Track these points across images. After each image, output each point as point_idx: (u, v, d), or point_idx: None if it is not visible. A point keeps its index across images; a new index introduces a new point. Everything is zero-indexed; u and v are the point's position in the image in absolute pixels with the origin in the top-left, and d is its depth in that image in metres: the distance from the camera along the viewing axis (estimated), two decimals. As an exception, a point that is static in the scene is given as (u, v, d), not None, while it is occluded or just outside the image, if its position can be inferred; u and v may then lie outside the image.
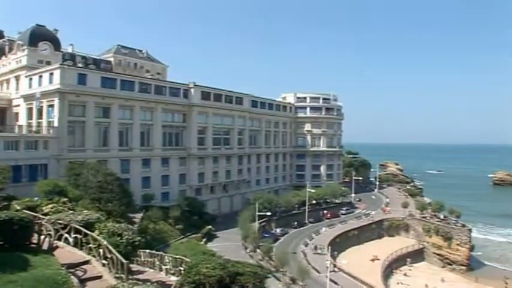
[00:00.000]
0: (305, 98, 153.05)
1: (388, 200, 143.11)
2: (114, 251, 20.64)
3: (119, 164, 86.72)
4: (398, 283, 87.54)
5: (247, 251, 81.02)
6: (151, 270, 27.82)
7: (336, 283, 66.82)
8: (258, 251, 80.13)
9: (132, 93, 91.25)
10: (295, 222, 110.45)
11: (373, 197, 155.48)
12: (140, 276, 23.34)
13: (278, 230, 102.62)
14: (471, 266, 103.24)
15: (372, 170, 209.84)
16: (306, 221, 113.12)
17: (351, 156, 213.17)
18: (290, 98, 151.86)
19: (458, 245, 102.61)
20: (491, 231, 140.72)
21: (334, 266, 77.61)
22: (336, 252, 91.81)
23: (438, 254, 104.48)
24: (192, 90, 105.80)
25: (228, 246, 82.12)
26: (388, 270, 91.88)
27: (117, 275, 19.66)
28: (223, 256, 45.54)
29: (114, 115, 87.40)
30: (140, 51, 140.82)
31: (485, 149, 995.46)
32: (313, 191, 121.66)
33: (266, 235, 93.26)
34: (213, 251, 61.95)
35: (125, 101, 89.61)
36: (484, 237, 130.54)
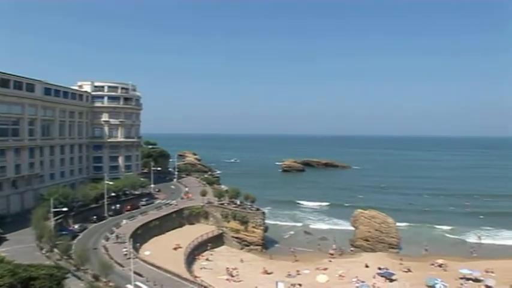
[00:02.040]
0: (103, 87, 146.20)
1: (187, 189, 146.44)
2: None
3: None
4: (201, 268, 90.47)
5: (43, 251, 74.43)
6: None
7: (140, 275, 65.86)
8: (56, 250, 74.24)
9: None
10: (95, 217, 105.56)
11: (173, 186, 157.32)
12: None
13: (76, 226, 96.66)
14: (266, 245, 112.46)
15: (170, 160, 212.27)
16: (106, 215, 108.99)
17: (150, 146, 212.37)
18: (87, 87, 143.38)
19: (254, 227, 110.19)
20: (281, 213, 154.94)
21: (137, 257, 76.69)
22: (138, 244, 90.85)
23: (236, 237, 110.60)
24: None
25: (21, 249, 74.38)
26: (191, 257, 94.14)
27: None
28: (14, 261, 41.39)
29: None
30: None
31: (278, 139, 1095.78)
32: (111, 183, 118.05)
33: (63, 232, 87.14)
34: (1, 256, 55.82)
35: None
36: (275, 219, 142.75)
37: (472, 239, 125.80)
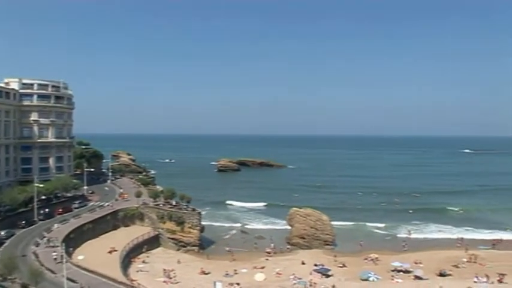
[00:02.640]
0: (32, 84, 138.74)
1: (122, 190, 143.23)
2: None
3: None
4: (137, 271, 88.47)
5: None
6: None
7: (73, 281, 63.57)
8: (-21, 259, 70.41)
9: None
10: (23, 222, 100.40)
11: (107, 188, 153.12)
12: None
13: (3, 233, 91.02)
14: (203, 246, 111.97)
15: (104, 161, 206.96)
16: (36, 219, 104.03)
17: (83, 147, 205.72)
18: (14, 84, 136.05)
19: (190, 228, 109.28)
20: (218, 213, 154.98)
21: (70, 262, 74.14)
22: (71, 249, 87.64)
23: (173, 238, 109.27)
24: None
25: None
26: (127, 260, 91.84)
27: None
28: None
29: None
30: None
31: (213, 138, 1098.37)
32: (42, 185, 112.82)
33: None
34: None
35: None
36: (211, 219, 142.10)
37: (402, 233, 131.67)
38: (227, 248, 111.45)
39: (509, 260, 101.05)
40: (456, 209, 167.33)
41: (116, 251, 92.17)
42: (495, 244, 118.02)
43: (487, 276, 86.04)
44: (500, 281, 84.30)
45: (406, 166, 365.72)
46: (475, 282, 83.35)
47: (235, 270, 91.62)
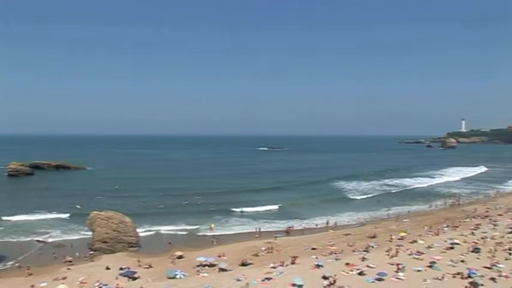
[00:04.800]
0: None
1: None
2: None
3: None
4: None
5: None
6: None
7: None
8: None
9: None
10: None
11: None
12: None
13: None
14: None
15: None
16: None
17: None
18: None
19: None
20: (9, 225, 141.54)
21: None
22: None
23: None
24: None
25: None
26: None
27: None
28: None
29: None
30: None
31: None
32: None
33: None
34: None
35: None
36: (1, 232, 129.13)
37: (205, 230, 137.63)
38: (17, 264, 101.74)
39: (299, 244, 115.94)
40: (255, 205, 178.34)
41: None
42: (288, 232, 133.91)
43: (281, 262, 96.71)
44: (292, 263, 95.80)
45: (206, 165, 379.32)
46: (272, 267, 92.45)
47: (32, 286, 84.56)
